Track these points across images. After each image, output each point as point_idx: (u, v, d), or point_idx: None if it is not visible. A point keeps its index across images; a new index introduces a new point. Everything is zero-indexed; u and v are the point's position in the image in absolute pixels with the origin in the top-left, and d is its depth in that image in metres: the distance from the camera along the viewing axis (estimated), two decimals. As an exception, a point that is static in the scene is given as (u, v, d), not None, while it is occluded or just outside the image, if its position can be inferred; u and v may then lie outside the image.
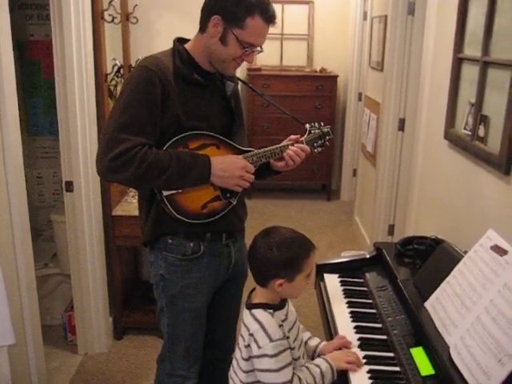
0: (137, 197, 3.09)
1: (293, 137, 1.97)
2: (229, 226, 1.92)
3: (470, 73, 2.25)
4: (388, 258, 2.14)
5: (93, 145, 2.78)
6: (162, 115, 1.72)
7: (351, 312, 1.92)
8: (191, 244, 1.85)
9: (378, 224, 4.13)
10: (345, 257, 2.38)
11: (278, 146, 1.92)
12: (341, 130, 6.01)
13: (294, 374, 1.55)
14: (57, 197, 3.79)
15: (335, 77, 5.59)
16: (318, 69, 5.67)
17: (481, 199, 2.10)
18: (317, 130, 2.02)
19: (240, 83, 2.06)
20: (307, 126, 2.02)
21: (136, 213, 2.91)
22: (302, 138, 1.98)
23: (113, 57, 3.01)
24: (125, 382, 2.79)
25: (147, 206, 1.87)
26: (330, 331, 1.85)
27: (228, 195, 1.83)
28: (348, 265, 2.28)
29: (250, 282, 2.02)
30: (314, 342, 1.78)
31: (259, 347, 1.53)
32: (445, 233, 2.20)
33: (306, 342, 1.76)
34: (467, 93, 2.26)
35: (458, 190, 2.33)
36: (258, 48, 1.79)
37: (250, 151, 1.87)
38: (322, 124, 2.06)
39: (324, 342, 1.77)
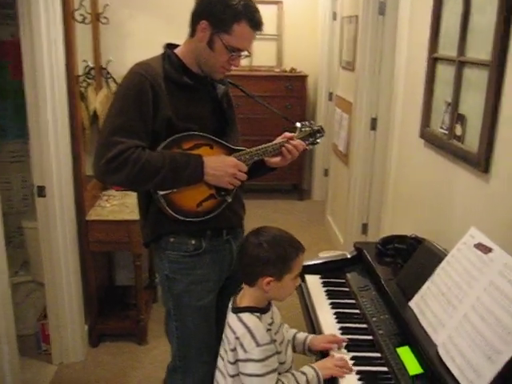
0: (112, 201, 3.09)
1: (287, 134, 1.99)
2: (227, 223, 1.94)
3: (445, 72, 2.27)
4: (369, 258, 2.14)
5: (65, 148, 2.72)
6: (154, 118, 1.75)
7: (336, 313, 1.92)
8: (193, 241, 1.87)
9: (351, 223, 4.15)
10: (325, 257, 2.38)
11: (271, 143, 1.95)
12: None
13: (278, 379, 1.53)
14: (26, 202, 3.68)
15: (305, 77, 5.60)
16: (287, 69, 5.67)
17: (459, 197, 2.13)
18: (307, 128, 2.07)
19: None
20: (298, 124, 2.07)
21: (110, 217, 2.90)
22: (295, 136, 2.01)
23: (84, 58, 2.94)
24: (103, 391, 2.74)
25: (145, 206, 1.89)
26: (314, 333, 1.84)
27: (223, 193, 1.85)
28: (329, 265, 2.27)
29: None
30: (302, 335, 1.77)
31: (245, 351, 1.51)
32: (423, 231, 2.22)
33: (294, 337, 1.75)
34: (443, 92, 2.28)
35: (435, 189, 2.36)
36: (245, 52, 1.84)
37: (242, 150, 1.89)
38: (313, 122, 2.11)
39: (312, 335, 1.76)
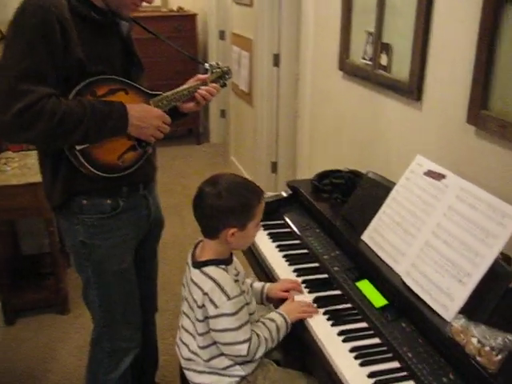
0: (11, 163, 2.78)
1: (201, 76, 1.91)
2: (145, 176, 1.81)
3: (363, 1, 2.24)
4: (307, 196, 2.12)
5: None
6: (63, 60, 1.53)
7: (285, 256, 1.89)
8: (108, 201, 1.71)
9: (260, 162, 4.14)
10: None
11: (186, 87, 1.86)
12: (203, 70, 5.82)
13: (252, 331, 1.49)
14: None
15: (194, 15, 5.37)
16: (174, 8, 5.39)
17: (390, 127, 2.15)
18: (218, 69, 1.98)
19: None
20: (207, 65, 1.98)
21: (14, 181, 2.62)
22: (208, 78, 1.92)
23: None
24: (30, 368, 2.54)
25: (53, 166, 1.66)
26: (269, 280, 1.80)
27: (143, 144, 1.71)
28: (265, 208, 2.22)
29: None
30: (258, 284, 1.73)
31: (216, 306, 1.44)
32: (350, 165, 2.23)
33: (250, 287, 1.70)
34: (363, 22, 2.25)
35: (361, 121, 2.36)
36: None
37: (159, 95, 1.77)
38: (220, 63, 2.02)
39: (268, 284, 1.73)
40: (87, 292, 1.82)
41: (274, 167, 4.12)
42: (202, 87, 1.86)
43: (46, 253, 3.14)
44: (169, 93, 1.79)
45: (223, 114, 5.81)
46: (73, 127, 1.52)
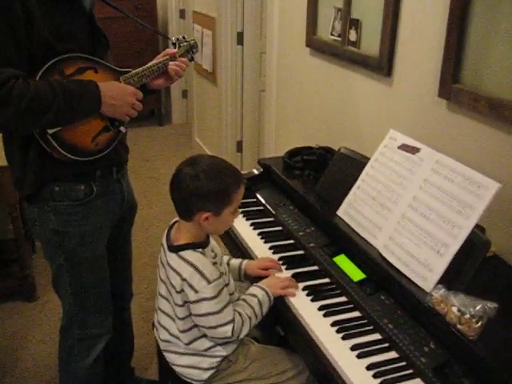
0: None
1: (169, 51, 1.85)
2: (118, 158, 1.76)
3: (331, -24, 2.22)
4: (279, 173, 2.11)
5: None
6: (27, 38, 1.45)
7: (259, 233, 1.88)
8: (82, 186, 1.65)
9: (225, 142, 4.10)
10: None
11: (155, 62, 1.80)
12: (163, 50, 5.72)
13: (234, 311, 1.48)
14: None
15: (153, -6, 5.23)
16: (132, -15, 5.23)
17: (359, 104, 2.15)
18: (185, 43, 1.94)
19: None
20: (173, 39, 1.93)
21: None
22: (177, 52, 1.87)
23: None
24: (0, 359, 2.47)
25: (23, 153, 1.58)
26: (245, 258, 1.79)
27: (117, 123, 1.66)
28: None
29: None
30: (236, 261, 1.71)
31: (196, 291, 1.42)
32: (319, 141, 2.23)
33: (227, 264, 1.69)
34: (330, -3, 2.24)
35: (330, 98, 2.36)
36: None
37: (129, 71, 1.71)
38: (186, 36, 1.98)
39: (246, 260, 1.71)
40: (58, 280, 1.76)
41: (240, 146, 4.09)
42: (172, 62, 1.81)
43: (8, 239, 3.04)
44: (139, 69, 1.73)
45: (185, 94, 5.73)
46: (43, 110, 1.44)
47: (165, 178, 4.51)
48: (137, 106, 1.66)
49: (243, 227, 1.92)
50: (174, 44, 1.92)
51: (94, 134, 1.60)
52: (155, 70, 1.78)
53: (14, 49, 1.44)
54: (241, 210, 2.03)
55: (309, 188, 1.97)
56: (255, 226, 1.93)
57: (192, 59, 1.98)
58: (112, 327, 1.94)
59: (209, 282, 1.41)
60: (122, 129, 1.69)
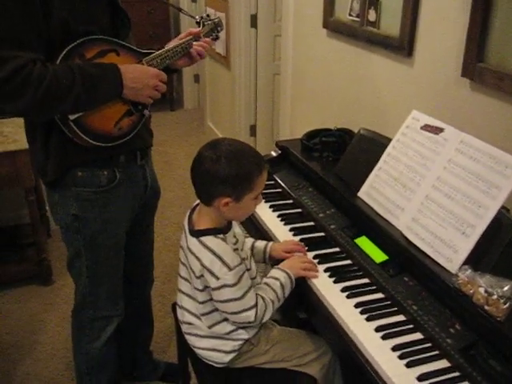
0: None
1: (193, 30, 1.80)
2: (142, 142, 1.73)
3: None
4: (297, 155, 2.09)
5: None
6: (46, 22, 1.42)
7: (279, 216, 1.87)
8: (105, 172, 1.63)
9: (238, 126, 4.09)
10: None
11: (179, 42, 1.75)
12: (175, 34, 5.68)
13: (256, 295, 1.46)
14: None
15: (164, -23, 5.19)
16: (143, -31, 5.20)
17: (379, 85, 2.12)
18: (209, 22, 1.88)
19: None
20: (197, 17, 1.87)
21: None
22: (201, 31, 1.82)
23: None
24: (19, 342, 2.49)
25: (45, 140, 1.56)
26: (265, 240, 1.78)
27: (140, 107, 1.62)
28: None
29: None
30: (261, 243, 1.69)
31: (218, 278, 1.40)
32: (339, 123, 2.20)
33: (252, 246, 1.67)
34: (349, -24, 2.20)
35: (348, 79, 2.33)
36: None
37: (151, 53, 1.67)
38: (210, 14, 1.92)
39: (271, 242, 1.69)
40: (74, 262, 1.75)
41: (253, 130, 4.07)
42: (195, 42, 1.77)
43: (24, 224, 3.05)
44: (162, 50, 1.68)
45: (197, 78, 5.70)
46: (62, 94, 1.42)
47: (177, 163, 4.50)
48: (161, 87, 1.62)
49: (263, 210, 1.91)
50: (197, 23, 1.86)
51: (116, 118, 1.56)
52: (179, 50, 1.73)
53: (32, 31, 1.41)
54: (259, 192, 2.02)
55: (328, 170, 1.95)
56: (274, 208, 1.92)
57: (217, 38, 1.92)
58: (134, 312, 1.95)
59: (230, 269, 1.39)
60: (146, 112, 1.65)
